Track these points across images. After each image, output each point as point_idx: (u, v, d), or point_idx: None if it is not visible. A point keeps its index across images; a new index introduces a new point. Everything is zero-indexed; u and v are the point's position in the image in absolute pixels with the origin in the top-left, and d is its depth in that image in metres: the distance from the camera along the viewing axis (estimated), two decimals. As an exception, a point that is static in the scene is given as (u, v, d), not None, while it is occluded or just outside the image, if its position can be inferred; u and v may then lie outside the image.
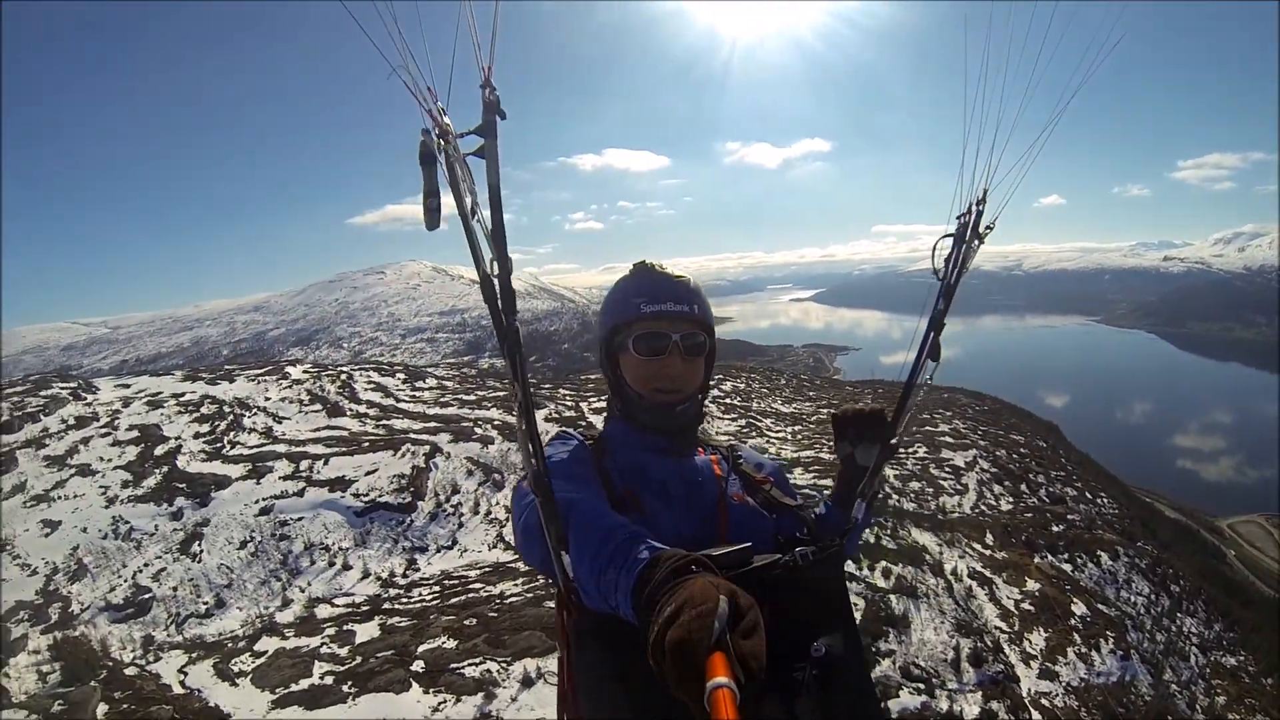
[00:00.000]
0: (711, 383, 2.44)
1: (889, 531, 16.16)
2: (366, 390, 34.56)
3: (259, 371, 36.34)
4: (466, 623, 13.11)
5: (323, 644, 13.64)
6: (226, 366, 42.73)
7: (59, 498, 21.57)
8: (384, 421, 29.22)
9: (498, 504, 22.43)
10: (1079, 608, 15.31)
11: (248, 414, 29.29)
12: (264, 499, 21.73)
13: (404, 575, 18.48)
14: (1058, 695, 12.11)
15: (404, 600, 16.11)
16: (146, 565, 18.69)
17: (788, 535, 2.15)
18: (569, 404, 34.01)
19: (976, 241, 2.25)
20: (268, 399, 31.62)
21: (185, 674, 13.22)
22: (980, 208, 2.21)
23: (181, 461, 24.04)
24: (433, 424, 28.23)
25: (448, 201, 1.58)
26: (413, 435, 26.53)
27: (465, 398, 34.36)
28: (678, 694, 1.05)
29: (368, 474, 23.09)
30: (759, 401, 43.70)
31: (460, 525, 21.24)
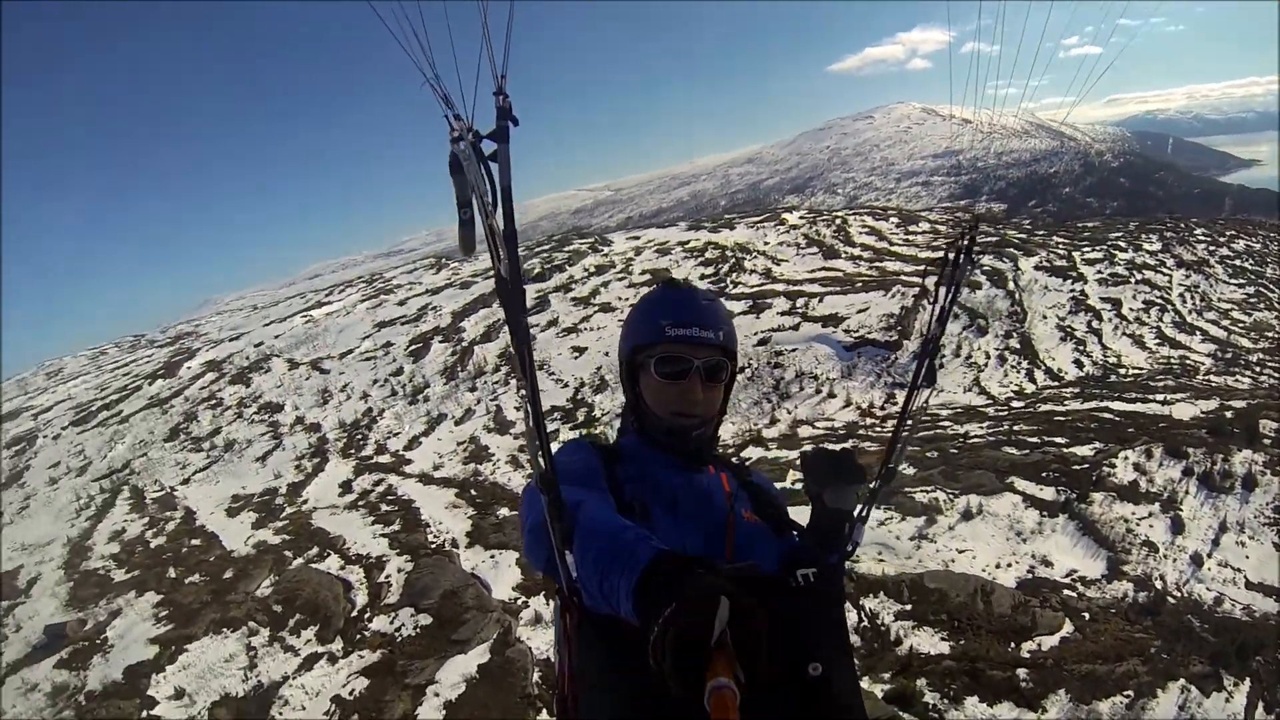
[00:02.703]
0: (731, 402, 2.35)
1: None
2: (861, 234, 35.62)
3: (757, 219, 39.06)
4: (928, 454, 14.10)
5: (798, 458, 15.53)
6: (726, 215, 46.15)
7: (585, 329, 26.62)
8: (876, 263, 30.26)
9: (979, 349, 22.57)
10: None
11: (748, 257, 32.12)
12: (762, 331, 24.29)
13: (881, 407, 19.91)
14: None
15: (877, 429, 17.53)
16: (658, 381, 22.32)
17: (791, 557, 2.10)
18: (1060, 253, 31.84)
19: (969, 265, 2.28)
20: (766, 243, 34.23)
21: (681, 468, 16.17)
22: (974, 232, 2.28)
23: (689, 299, 27.40)
24: (923, 267, 28.43)
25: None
26: (903, 277, 27.12)
27: (957, 242, 33.42)
28: (679, 694, 1.08)
29: (859, 312, 24.49)
30: (1275, 268, 36.05)
31: (940, 365, 21.73)
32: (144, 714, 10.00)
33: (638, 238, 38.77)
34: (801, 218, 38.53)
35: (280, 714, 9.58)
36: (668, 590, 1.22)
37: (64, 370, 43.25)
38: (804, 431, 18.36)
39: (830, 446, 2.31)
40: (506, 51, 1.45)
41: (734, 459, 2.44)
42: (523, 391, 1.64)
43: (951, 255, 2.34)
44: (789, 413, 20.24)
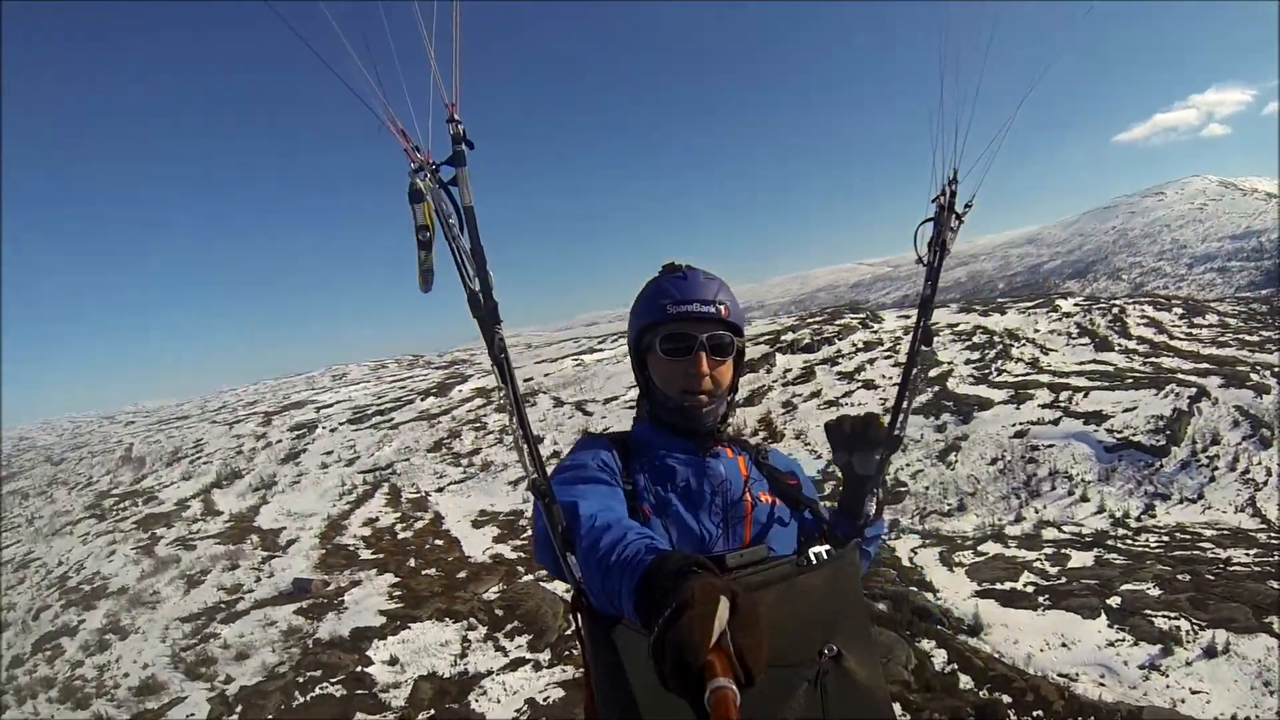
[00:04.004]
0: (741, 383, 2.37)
1: None
2: (1138, 325, 33.02)
3: (1029, 304, 37.39)
4: (1179, 577, 12.95)
5: (1037, 559, 14.95)
6: (999, 299, 44.73)
7: (846, 403, 26.67)
8: (1151, 359, 27.95)
9: (1259, 464, 20.27)
10: None
11: (1016, 344, 30.96)
12: (1020, 423, 23.19)
13: (1137, 519, 18.31)
14: None
15: (1127, 541, 16.22)
16: (908, 465, 22.09)
17: (809, 535, 2.15)
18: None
19: (955, 221, 2.27)
20: (1036, 331, 32.75)
21: (915, 553, 15.81)
22: (953, 188, 2.23)
23: (951, 383, 27.05)
24: (1204, 365, 25.99)
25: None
26: (1179, 375, 24.85)
27: (1247, 338, 30.52)
28: (679, 695, 1.08)
29: (1125, 411, 22.73)
30: None
31: (1211, 479, 19.76)
32: (358, 669, 11.78)
33: (908, 316, 38.14)
34: (1076, 305, 36.36)
35: (476, 701, 10.58)
36: (668, 592, 1.22)
37: (348, 375, 49.11)
38: (1048, 534, 17.29)
39: (852, 414, 2.36)
40: (457, 79, 1.59)
41: (752, 439, 2.41)
42: (504, 399, 1.76)
43: (935, 208, 2.34)
44: (1036, 512, 19.19)
